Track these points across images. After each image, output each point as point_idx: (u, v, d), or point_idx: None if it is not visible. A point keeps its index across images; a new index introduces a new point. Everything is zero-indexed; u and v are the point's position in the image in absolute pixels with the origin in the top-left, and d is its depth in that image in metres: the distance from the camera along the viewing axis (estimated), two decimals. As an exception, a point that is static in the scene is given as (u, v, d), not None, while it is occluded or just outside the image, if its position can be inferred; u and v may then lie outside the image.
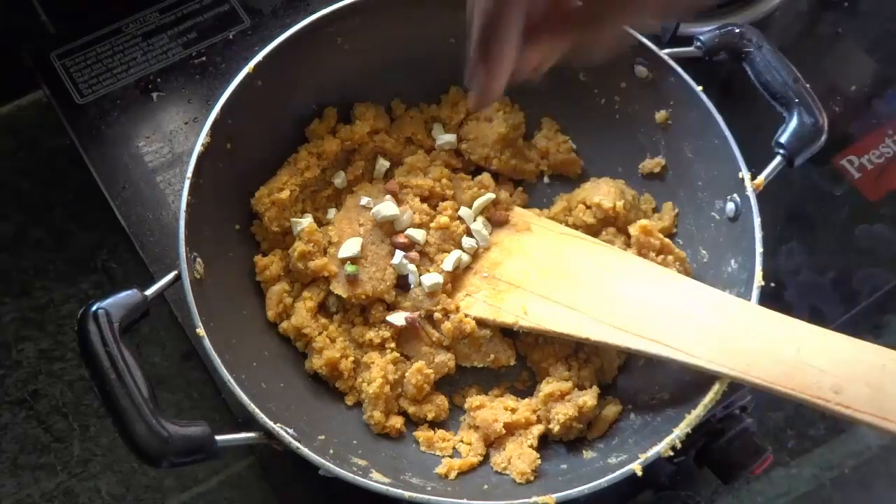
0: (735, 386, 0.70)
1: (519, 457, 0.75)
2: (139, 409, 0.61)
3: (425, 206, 0.84)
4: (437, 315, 0.80)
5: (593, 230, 0.84)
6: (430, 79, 0.89)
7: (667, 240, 0.82)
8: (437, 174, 0.86)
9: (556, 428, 0.76)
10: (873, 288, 0.88)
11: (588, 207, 0.84)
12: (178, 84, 0.96)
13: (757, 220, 0.74)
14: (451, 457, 0.77)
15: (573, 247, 0.80)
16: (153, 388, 0.63)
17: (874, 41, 1.02)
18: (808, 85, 0.77)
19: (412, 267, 0.81)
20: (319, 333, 0.80)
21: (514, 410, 0.78)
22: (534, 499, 0.66)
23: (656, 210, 0.86)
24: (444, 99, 0.91)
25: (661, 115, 0.84)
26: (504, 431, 0.77)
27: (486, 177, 0.87)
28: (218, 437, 0.63)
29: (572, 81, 0.88)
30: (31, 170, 1.04)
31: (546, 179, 0.91)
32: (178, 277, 0.71)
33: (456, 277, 0.82)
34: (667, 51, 0.81)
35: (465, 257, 0.82)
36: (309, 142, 0.87)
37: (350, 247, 0.81)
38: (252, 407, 0.67)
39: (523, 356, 0.83)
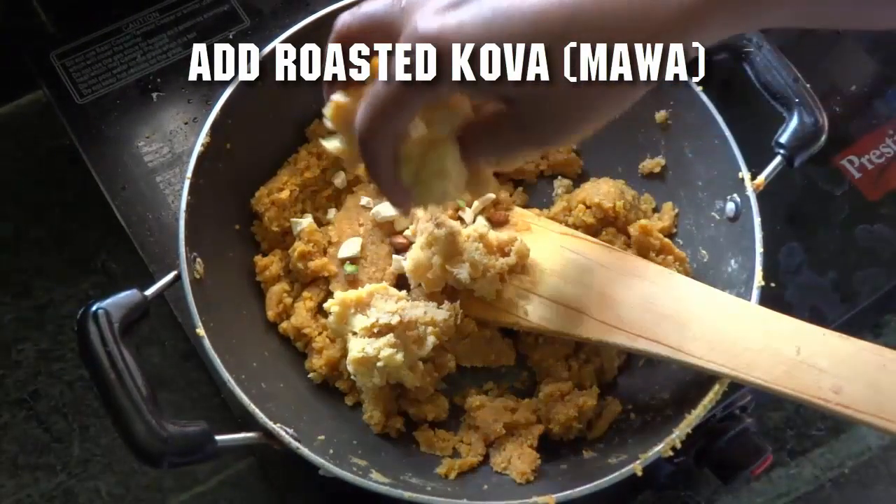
0: (735, 386, 0.70)
1: (519, 457, 0.75)
2: (139, 410, 0.61)
3: (425, 206, 0.84)
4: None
5: (593, 230, 0.84)
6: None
7: (667, 240, 0.82)
8: (437, 174, 0.86)
9: (556, 428, 0.76)
10: (873, 288, 0.88)
11: (588, 207, 0.84)
12: (178, 84, 0.96)
13: (757, 220, 0.74)
14: (451, 457, 0.77)
15: (573, 247, 0.80)
16: (153, 388, 0.63)
17: (874, 41, 1.02)
18: (808, 85, 0.77)
19: (412, 267, 0.81)
20: (319, 333, 0.80)
21: (514, 410, 0.78)
22: (534, 499, 0.66)
23: (656, 210, 0.86)
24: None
25: (661, 115, 0.84)
26: (504, 431, 0.77)
27: (486, 177, 0.87)
28: (218, 437, 0.63)
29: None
30: (31, 170, 1.04)
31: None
32: (178, 277, 0.71)
33: (456, 277, 0.82)
34: (667, 51, 0.81)
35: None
36: (309, 142, 0.87)
37: (350, 247, 0.81)
38: (252, 407, 0.67)
39: (523, 356, 0.83)
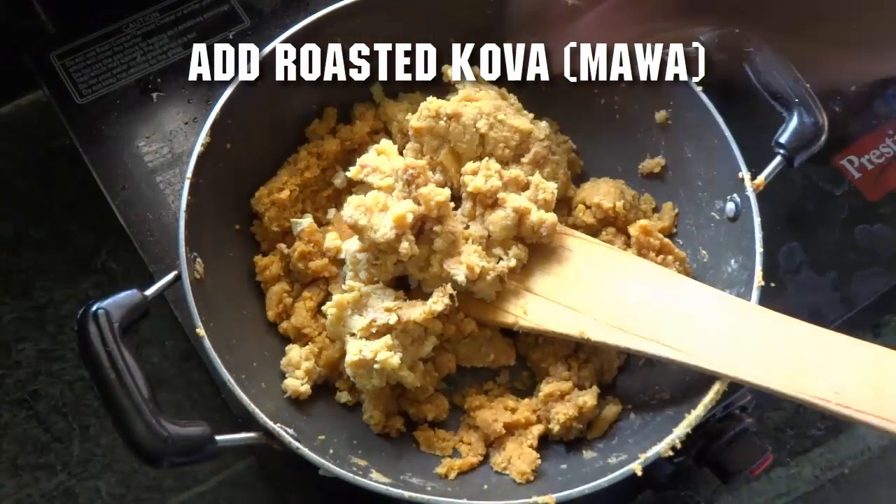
0: (735, 386, 0.70)
1: (519, 457, 0.75)
2: (139, 409, 0.61)
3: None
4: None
5: (593, 230, 0.84)
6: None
7: (667, 240, 0.82)
8: (437, 175, 0.86)
9: (556, 428, 0.76)
10: (873, 288, 0.88)
11: (588, 207, 0.84)
12: (178, 84, 0.96)
13: (757, 220, 0.74)
14: (451, 457, 0.77)
15: (573, 247, 0.80)
16: (153, 388, 0.63)
17: (874, 41, 1.02)
18: (808, 85, 0.77)
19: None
20: (319, 333, 0.80)
21: (514, 410, 0.78)
22: (534, 499, 0.66)
23: (656, 210, 0.86)
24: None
25: (661, 115, 0.84)
26: (504, 431, 0.77)
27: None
28: (218, 437, 0.63)
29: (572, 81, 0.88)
30: (31, 170, 1.04)
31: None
32: (178, 277, 0.71)
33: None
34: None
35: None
36: (309, 142, 0.87)
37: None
38: (252, 407, 0.67)
39: (523, 356, 0.83)
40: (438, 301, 0.75)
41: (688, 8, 0.68)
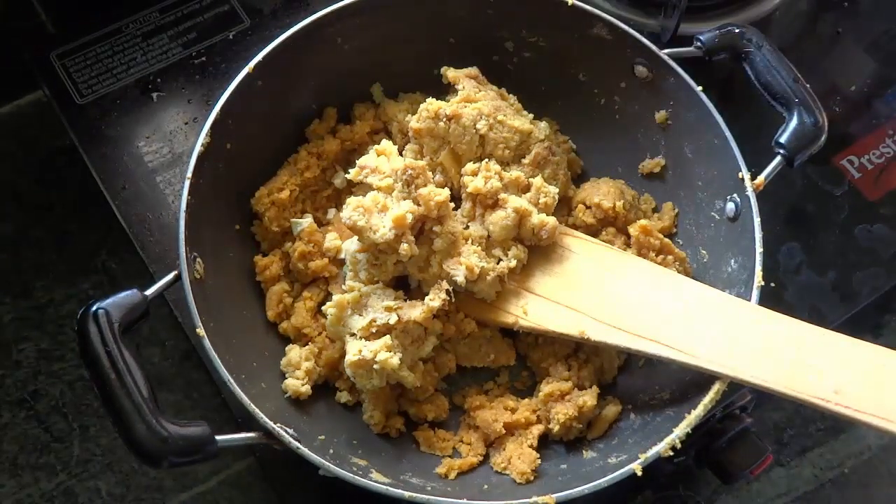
0: (735, 386, 0.70)
1: (519, 457, 0.75)
2: (139, 409, 0.61)
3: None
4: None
5: (593, 230, 0.84)
6: (431, 79, 0.89)
7: (666, 240, 0.82)
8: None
9: (556, 428, 0.76)
10: (873, 288, 0.88)
11: (588, 207, 0.84)
12: (178, 84, 0.96)
13: (757, 220, 0.74)
14: (451, 457, 0.77)
15: (573, 247, 0.80)
16: (153, 388, 0.63)
17: (874, 41, 1.02)
18: (808, 85, 0.77)
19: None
20: (319, 333, 0.80)
21: (514, 410, 0.78)
22: (534, 499, 0.66)
23: (656, 210, 0.86)
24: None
25: (661, 115, 0.84)
26: (504, 431, 0.77)
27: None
28: (218, 437, 0.63)
29: (572, 81, 0.88)
30: (31, 170, 1.04)
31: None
32: (178, 277, 0.71)
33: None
34: (667, 51, 0.81)
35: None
36: (309, 142, 0.87)
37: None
38: (252, 407, 0.67)
39: (523, 356, 0.83)
40: (435, 297, 0.75)
41: None
